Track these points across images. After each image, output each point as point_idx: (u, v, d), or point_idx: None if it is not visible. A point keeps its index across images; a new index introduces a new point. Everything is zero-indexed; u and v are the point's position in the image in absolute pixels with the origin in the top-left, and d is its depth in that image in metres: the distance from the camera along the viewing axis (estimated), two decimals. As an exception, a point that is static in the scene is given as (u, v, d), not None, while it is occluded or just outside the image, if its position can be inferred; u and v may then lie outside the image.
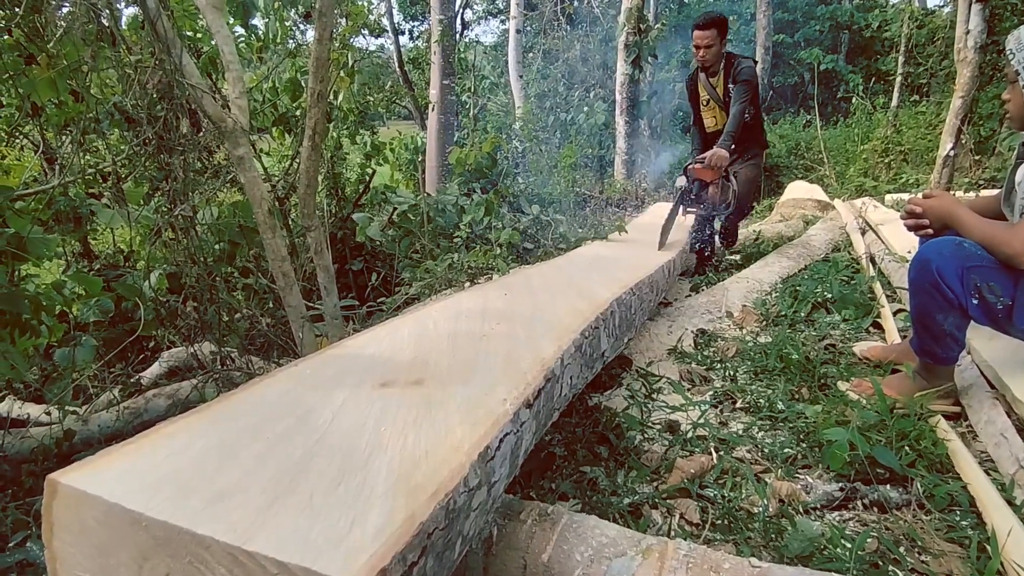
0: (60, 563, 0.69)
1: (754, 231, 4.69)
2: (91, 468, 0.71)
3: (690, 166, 3.24)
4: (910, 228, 1.75)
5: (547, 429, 1.70)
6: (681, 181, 3.26)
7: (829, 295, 2.71)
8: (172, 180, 2.27)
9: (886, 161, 6.33)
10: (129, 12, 3.25)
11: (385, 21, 12.79)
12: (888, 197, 5.24)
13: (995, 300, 1.49)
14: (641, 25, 6.47)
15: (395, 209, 4.51)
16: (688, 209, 3.29)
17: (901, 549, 1.19)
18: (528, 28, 9.10)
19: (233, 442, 0.79)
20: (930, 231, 1.68)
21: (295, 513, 0.66)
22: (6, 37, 2.67)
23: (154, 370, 3.16)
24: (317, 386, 0.99)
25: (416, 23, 14.82)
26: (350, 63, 5.41)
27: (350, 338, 1.25)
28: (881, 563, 1.15)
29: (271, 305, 3.88)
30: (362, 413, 0.90)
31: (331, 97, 5.90)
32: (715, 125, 3.62)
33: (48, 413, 2.44)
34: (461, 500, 0.75)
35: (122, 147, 3.00)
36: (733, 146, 3.27)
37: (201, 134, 2.41)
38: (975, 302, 1.51)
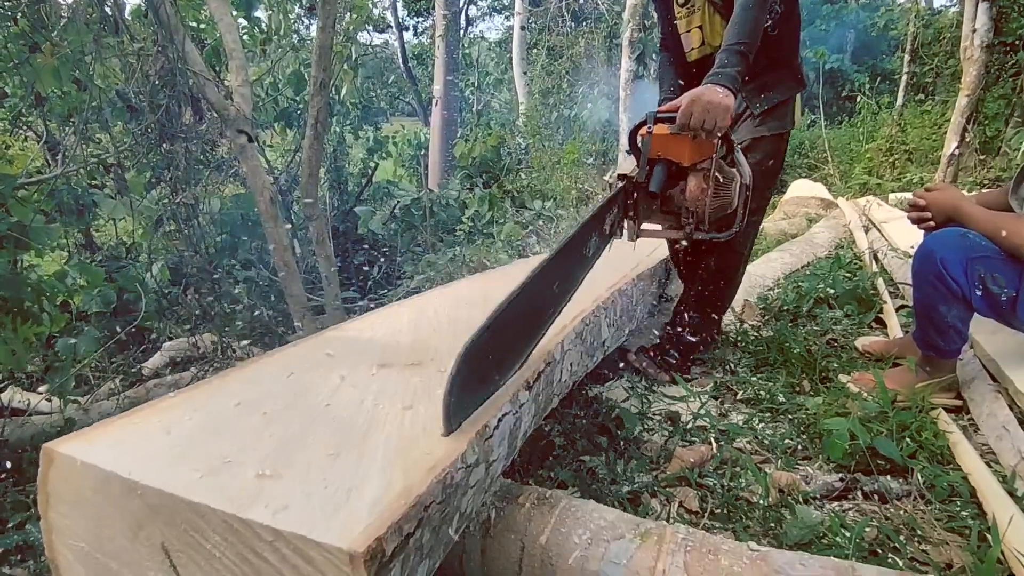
0: (56, 533, 0.69)
1: (757, 228, 4.67)
2: (87, 438, 0.71)
3: (642, 130, 1.48)
4: (914, 221, 1.74)
5: (547, 416, 1.70)
6: (626, 166, 1.62)
7: (832, 291, 2.69)
8: (174, 168, 2.27)
9: (890, 160, 6.31)
10: (133, 0, 3.24)
11: (389, 16, 12.81)
12: (892, 196, 5.22)
13: (999, 291, 1.48)
14: (646, 22, 6.45)
15: (397, 203, 4.52)
16: (642, 228, 1.56)
17: (901, 538, 1.18)
18: (532, 24, 9.08)
19: (230, 416, 0.79)
20: (932, 224, 1.67)
21: (292, 484, 0.66)
22: (11, 26, 2.67)
23: (156, 360, 3.16)
24: (315, 366, 0.98)
25: (420, 19, 14.82)
26: (354, 56, 5.41)
27: (349, 321, 1.25)
28: (880, 551, 1.15)
29: (272, 299, 3.89)
30: (360, 392, 0.90)
31: (334, 92, 5.92)
32: (702, 45, 1.89)
33: (49, 400, 2.45)
34: (459, 476, 0.74)
35: (125, 139, 3.01)
36: (743, 78, 1.52)
37: (203, 122, 2.41)
38: (979, 293, 1.50)
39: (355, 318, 1.29)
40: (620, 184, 1.50)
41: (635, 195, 1.51)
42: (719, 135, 1.45)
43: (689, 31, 1.92)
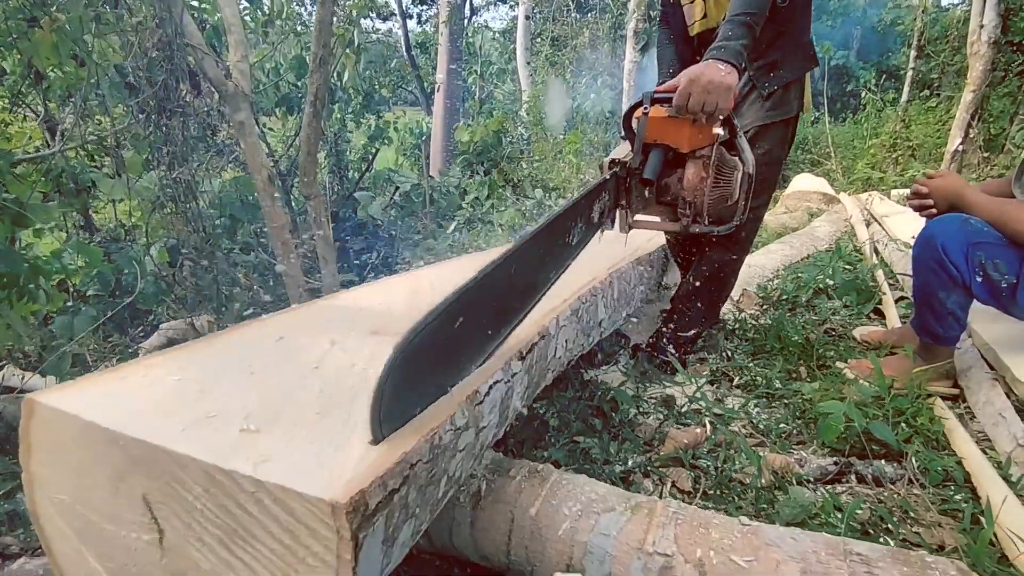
0: (37, 485, 0.68)
1: (758, 221, 4.64)
2: (70, 390, 0.70)
3: (638, 111, 1.37)
4: (915, 208, 1.73)
5: (542, 398, 1.69)
6: (620, 151, 1.42)
7: (831, 282, 2.68)
8: (171, 144, 2.26)
9: (894, 156, 6.28)
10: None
11: (393, 3, 12.72)
12: (894, 192, 5.20)
13: (1000, 278, 1.47)
14: (651, 12, 6.41)
15: (397, 188, 4.50)
16: (635, 219, 1.46)
17: (894, 519, 1.17)
18: (537, 14, 9.03)
19: (218, 374, 0.78)
20: (934, 211, 1.66)
21: (277, 439, 0.65)
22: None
23: (153, 341, 3.15)
24: (307, 330, 0.97)
25: (424, 7, 14.74)
26: (356, 42, 5.38)
27: (344, 292, 1.24)
28: (872, 532, 1.14)
29: (272, 283, 3.88)
30: (351, 356, 0.89)
31: (336, 78, 5.88)
32: (704, 18, 1.73)
33: (43, 376, 2.44)
34: (447, 438, 0.73)
35: (125, 119, 2.98)
36: (748, 52, 1.40)
37: (200, 95, 2.39)
38: (979, 280, 1.49)
39: (350, 289, 1.27)
40: (612, 170, 1.36)
41: (628, 182, 1.38)
42: (720, 118, 1.34)
43: (692, 2, 1.75)
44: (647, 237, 2.27)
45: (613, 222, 1.41)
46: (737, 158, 1.44)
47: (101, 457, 0.64)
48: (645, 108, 1.33)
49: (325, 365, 0.84)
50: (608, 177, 1.32)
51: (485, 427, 0.86)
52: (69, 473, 0.66)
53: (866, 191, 5.40)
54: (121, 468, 0.63)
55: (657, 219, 1.51)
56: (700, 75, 1.28)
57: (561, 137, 6.76)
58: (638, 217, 1.46)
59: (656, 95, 1.35)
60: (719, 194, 1.42)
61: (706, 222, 1.43)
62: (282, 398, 0.74)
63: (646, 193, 1.41)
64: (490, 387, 0.86)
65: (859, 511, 1.19)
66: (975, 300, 1.56)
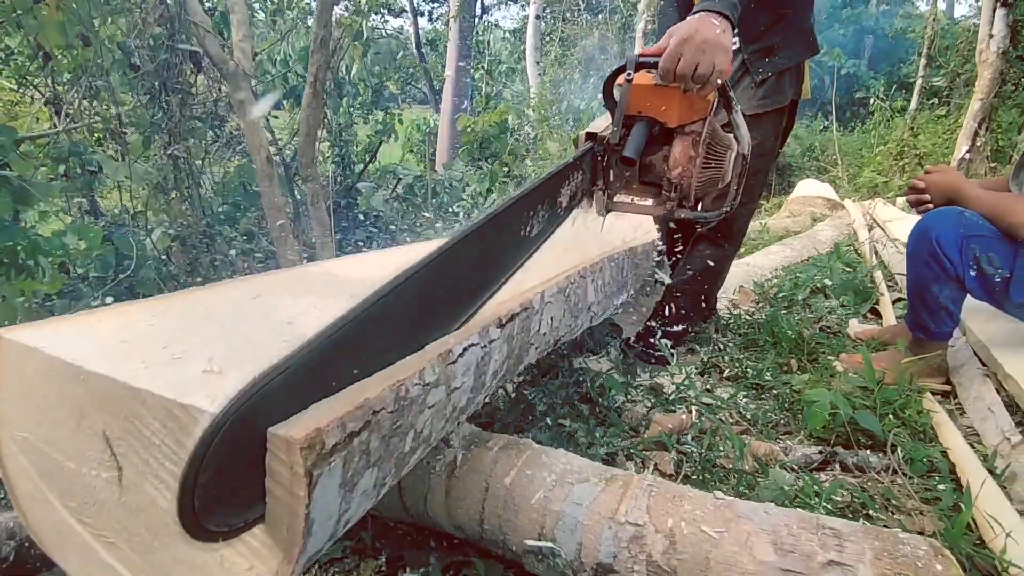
0: (1, 423, 0.68)
1: (760, 223, 4.64)
2: (38, 328, 0.70)
3: (620, 78, 1.18)
4: (912, 204, 1.72)
5: (530, 380, 1.69)
6: (599, 123, 1.30)
7: (829, 282, 2.67)
8: (171, 122, 2.26)
9: (900, 164, 6.25)
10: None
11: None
12: (900, 200, 5.17)
13: (993, 272, 1.46)
14: (660, 14, 6.42)
15: (399, 180, 4.51)
16: (615, 201, 1.32)
17: (876, 505, 1.16)
18: (548, 14, 9.04)
19: (188, 324, 0.78)
20: (931, 206, 1.64)
21: (239, 380, 0.64)
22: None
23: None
24: (286, 292, 0.97)
25: (435, 4, 14.79)
26: (365, 34, 5.39)
27: (329, 260, 1.24)
28: (852, 517, 1.13)
29: (270, 269, 3.88)
30: (326, 317, 0.88)
31: (343, 71, 5.89)
32: None
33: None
34: (415, 391, 0.73)
35: (131, 102, 3.00)
36: (742, 5, 1.25)
37: (200, 72, 2.40)
38: (972, 273, 1.48)
39: (335, 259, 1.27)
40: (587, 145, 1.20)
41: (607, 160, 1.23)
42: (718, 83, 1.16)
43: None
44: (647, 229, 2.27)
45: (590, 202, 1.29)
46: (732, 135, 1.31)
47: (64, 393, 0.64)
48: (628, 74, 1.14)
49: (299, 322, 0.84)
50: (582, 154, 1.18)
51: (458, 388, 0.85)
52: (33, 410, 0.66)
53: (871, 197, 5.38)
54: (83, 404, 0.63)
55: (639, 201, 1.33)
56: (693, 31, 1.10)
57: (569, 134, 6.76)
58: (618, 199, 1.31)
59: (642, 58, 1.15)
60: (710, 176, 1.27)
61: (693, 207, 1.27)
62: (251, 347, 0.74)
63: (627, 173, 1.26)
64: (464, 348, 0.86)
65: (839, 496, 1.18)
66: (968, 295, 1.54)
